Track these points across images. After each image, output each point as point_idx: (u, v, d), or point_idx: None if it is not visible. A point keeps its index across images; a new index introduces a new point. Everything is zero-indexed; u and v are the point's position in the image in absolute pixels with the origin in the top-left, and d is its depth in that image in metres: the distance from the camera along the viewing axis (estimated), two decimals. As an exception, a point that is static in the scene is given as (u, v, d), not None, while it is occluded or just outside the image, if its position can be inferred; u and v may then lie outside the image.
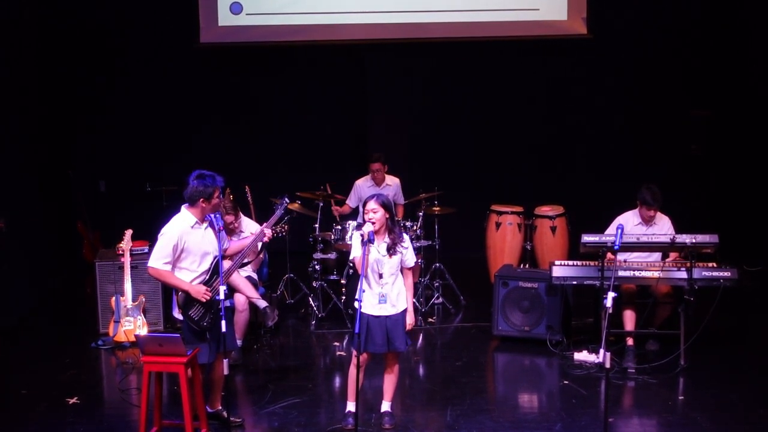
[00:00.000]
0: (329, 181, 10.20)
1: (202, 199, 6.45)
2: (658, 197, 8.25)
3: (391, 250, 6.53)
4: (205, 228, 6.52)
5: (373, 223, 6.45)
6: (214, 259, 6.52)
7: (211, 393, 6.88)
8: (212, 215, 6.56)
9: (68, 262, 10.83)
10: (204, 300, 6.43)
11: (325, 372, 8.31)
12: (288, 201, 7.19)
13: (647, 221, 8.33)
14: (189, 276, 6.49)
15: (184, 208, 6.52)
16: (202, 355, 6.53)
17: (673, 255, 8.32)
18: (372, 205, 6.51)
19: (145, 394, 6.37)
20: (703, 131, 11.87)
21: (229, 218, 8.13)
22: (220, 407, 6.88)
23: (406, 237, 6.69)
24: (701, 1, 11.73)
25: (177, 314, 6.59)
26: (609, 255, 7.95)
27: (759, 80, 11.29)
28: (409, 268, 6.70)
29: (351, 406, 6.70)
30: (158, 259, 6.43)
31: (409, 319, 6.67)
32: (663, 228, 8.32)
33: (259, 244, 7.11)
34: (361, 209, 8.71)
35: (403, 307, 6.63)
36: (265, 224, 6.92)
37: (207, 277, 6.53)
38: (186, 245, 6.43)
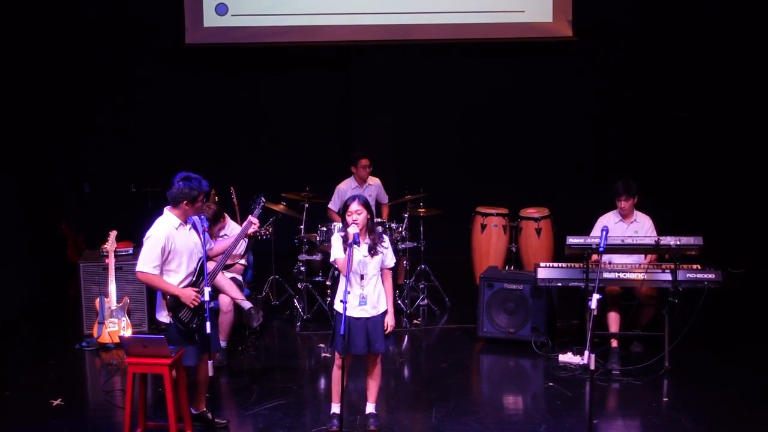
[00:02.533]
0: (314, 182, 10.15)
1: (185, 201, 6.42)
2: (629, 187, 8.31)
3: (373, 250, 6.53)
4: (189, 229, 6.50)
5: (358, 224, 6.45)
6: (199, 261, 6.50)
7: (196, 394, 6.86)
8: (196, 217, 6.54)
9: (52, 264, 10.76)
10: (193, 306, 6.42)
11: (310, 373, 8.30)
12: (264, 200, 7.15)
13: (625, 216, 8.37)
14: (176, 278, 6.47)
15: (166, 210, 6.51)
16: (189, 358, 6.52)
17: (650, 257, 8.35)
18: (356, 206, 6.50)
19: (130, 395, 6.36)
20: (687, 133, 11.90)
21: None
22: (205, 409, 6.86)
23: (385, 237, 6.70)
24: (686, 4, 11.76)
25: (161, 317, 6.56)
26: (594, 257, 7.99)
27: (743, 83, 11.33)
28: (389, 269, 6.71)
29: (336, 408, 6.70)
30: (147, 264, 6.38)
31: (390, 321, 6.64)
32: (644, 226, 8.37)
33: (244, 247, 7.08)
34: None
35: (383, 309, 6.62)
36: (245, 222, 6.91)
37: (194, 279, 6.51)
38: (174, 246, 6.40)
